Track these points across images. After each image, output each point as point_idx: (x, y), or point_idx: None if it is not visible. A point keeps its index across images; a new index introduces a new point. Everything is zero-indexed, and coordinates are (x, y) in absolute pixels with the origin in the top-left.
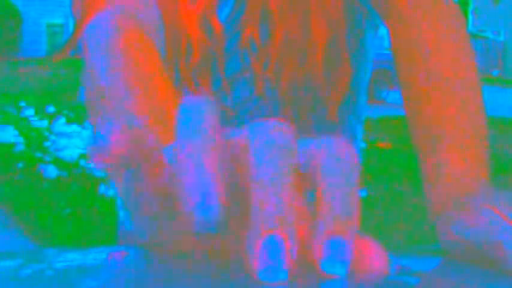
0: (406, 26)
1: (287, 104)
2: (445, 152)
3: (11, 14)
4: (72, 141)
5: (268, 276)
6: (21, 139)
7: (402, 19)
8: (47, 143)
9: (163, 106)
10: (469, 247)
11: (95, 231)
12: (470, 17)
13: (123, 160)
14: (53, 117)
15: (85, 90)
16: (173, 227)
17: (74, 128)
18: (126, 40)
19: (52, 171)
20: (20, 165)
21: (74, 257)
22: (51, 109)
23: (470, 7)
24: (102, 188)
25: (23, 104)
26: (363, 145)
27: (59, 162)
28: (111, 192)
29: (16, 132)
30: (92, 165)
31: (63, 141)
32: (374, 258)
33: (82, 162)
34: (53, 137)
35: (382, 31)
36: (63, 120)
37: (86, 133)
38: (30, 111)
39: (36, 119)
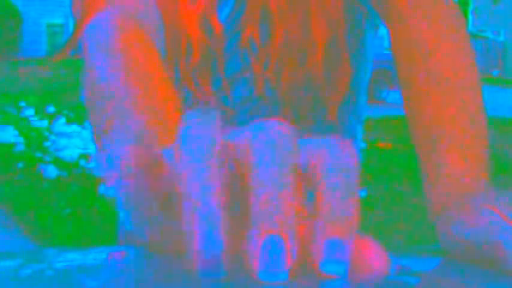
0: (406, 26)
1: (287, 104)
2: (445, 152)
3: (11, 14)
4: (72, 141)
5: (268, 276)
6: (21, 139)
7: (402, 19)
8: (47, 143)
9: (163, 106)
10: (469, 247)
11: (95, 231)
12: (470, 17)
13: (130, 173)
14: (53, 117)
15: (85, 90)
16: (173, 228)
17: (74, 128)
18: (126, 40)
19: (52, 171)
20: (20, 165)
21: (74, 257)
22: (51, 109)
23: (470, 7)
24: (102, 188)
25: (23, 104)
26: (363, 145)
27: (59, 162)
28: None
29: (16, 132)
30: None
31: (63, 141)
32: (374, 258)
33: (82, 162)
34: (53, 137)
35: (382, 31)
36: (63, 120)
37: (86, 133)
38: (30, 111)
39: (36, 119)
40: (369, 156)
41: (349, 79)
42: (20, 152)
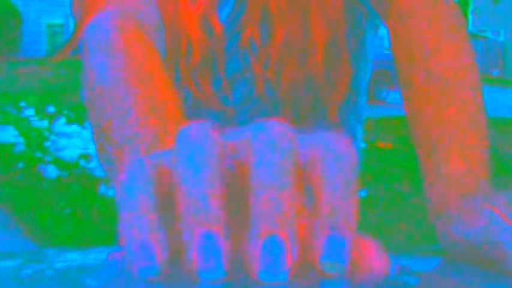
0: (406, 26)
1: (287, 104)
2: (445, 152)
3: (11, 14)
4: (72, 141)
5: (268, 276)
6: (21, 139)
7: (402, 19)
8: (47, 143)
9: (163, 106)
10: (469, 247)
11: (95, 231)
12: (470, 17)
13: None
14: (53, 117)
15: (85, 90)
16: (172, 228)
17: (74, 128)
18: (126, 40)
19: (52, 171)
20: (20, 165)
21: (74, 257)
22: (51, 109)
23: (470, 7)
24: (102, 188)
25: (23, 104)
26: (363, 145)
27: (59, 162)
28: (111, 192)
29: (16, 132)
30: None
31: (63, 141)
32: (374, 258)
33: (82, 162)
34: (53, 137)
35: (382, 31)
36: (63, 120)
37: (86, 133)
38: (30, 111)
39: (36, 119)
40: (369, 156)
41: (349, 79)
42: (20, 152)
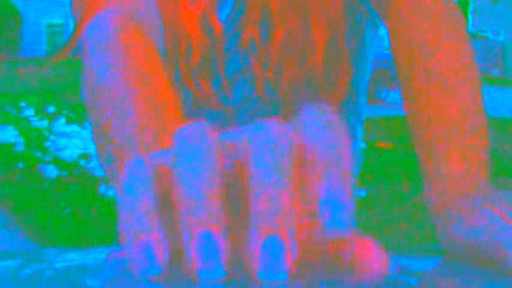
0: (406, 26)
1: (287, 104)
2: (445, 152)
3: (11, 14)
4: (72, 141)
5: (268, 276)
6: (21, 139)
7: (402, 19)
8: (47, 143)
9: (163, 106)
10: (469, 247)
11: (95, 231)
12: (470, 17)
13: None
14: (53, 117)
15: (85, 90)
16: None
17: (74, 128)
18: (126, 40)
19: (52, 171)
20: (20, 165)
21: (74, 257)
22: (51, 109)
23: (470, 7)
24: (102, 188)
25: (23, 104)
26: (363, 145)
27: (59, 162)
28: (111, 192)
29: (16, 132)
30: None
31: (63, 141)
32: (374, 258)
33: (82, 162)
34: (53, 137)
35: (382, 31)
36: (63, 120)
37: (86, 133)
38: (30, 111)
39: (36, 119)
40: (369, 156)
41: (349, 79)
42: (20, 152)
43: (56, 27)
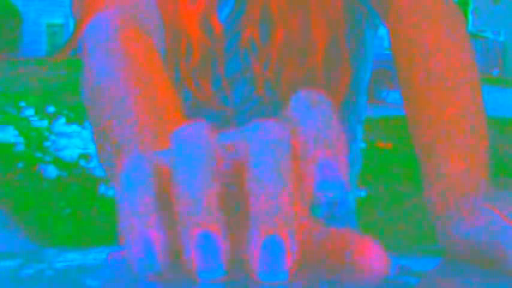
0: (406, 26)
1: (287, 104)
2: (445, 152)
3: (11, 14)
4: (72, 141)
5: (268, 276)
6: (21, 139)
7: (402, 19)
8: (47, 143)
9: (163, 106)
10: (469, 247)
11: (95, 231)
12: (470, 17)
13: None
14: (53, 117)
15: (85, 90)
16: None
17: (74, 128)
18: (126, 40)
19: (52, 171)
20: (20, 165)
21: (74, 257)
22: (51, 109)
23: (470, 7)
24: (102, 188)
25: (23, 104)
26: (363, 145)
27: (59, 162)
28: (111, 192)
29: (16, 132)
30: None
31: (63, 141)
32: (374, 258)
33: (82, 162)
34: (53, 137)
35: (382, 31)
36: (63, 120)
37: (86, 133)
38: (30, 111)
39: (36, 119)
40: (369, 156)
41: (349, 79)
42: (20, 152)
43: (56, 27)
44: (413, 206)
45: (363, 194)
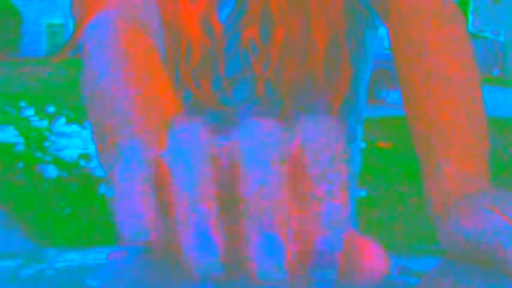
0: (406, 26)
1: (287, 104)
2: (445, 152)
3: (11, 14)
4: (72, 141)
5: (267, 275)
6: (21, 139)
7: (402, 19)
8: (47, 143)
9: (163, 106)
10: (469, 247)
11: (95, 231)
12: (470, 17)
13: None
14: (53, 117)
15: (85, 90)
16: (169, 228)
17: (74, 128)
18: (126, 40)
19: (52, 171)
20: (20, 165)
21: (74, 257)
22: (51, 109)
23: (470, 7)
24: (102, 188)
25: (23, 104)
26: (363, 145)
27: (59, 162)
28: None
29: (16, 132)
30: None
31: (63, 141)
32: (374, 258)
33: (82, 162)
34: (53, 137)
35: (382, 31)
36: (63, 120)
37: (86, 133)
38: (30, 111)
39: (36, 119)
40: (369, 156)
41: (349, 79)
42: (20, 152)
43: (56, 27)
44: (413, 206)
45: (363, 194)
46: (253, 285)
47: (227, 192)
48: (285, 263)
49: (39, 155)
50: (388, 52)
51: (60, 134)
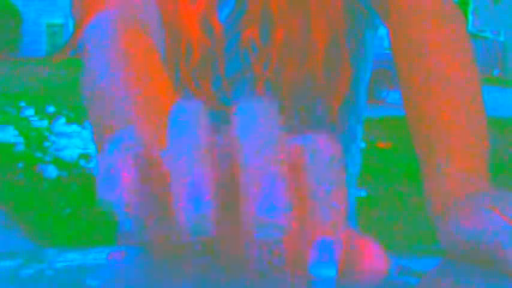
0: (406, 26)
1: (287, 104)
2: (445, 152)
3: (11, 14)
4: (72, 141)
5: (265, 233)
6: (21, 139)
7: (402, 19)
8: (47, 143)
9: (163, 107)
10: (469, 247)
11: (95, 231)
12: (470, 17)
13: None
14: (53, 117)
15: (85, 90)
16: (169, 228)
17: (74, 128)
18: (126, 40)
19: (52, 171)
20: (20, 165)
21: (74, 257)
22: (51, 109)
23: (470, 7)
24: None
25: (23, 104)
26: (363, 145)
27: (59, 162)
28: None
29: (16, 132)
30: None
31: (63, 141)
32: (374, 258)
33: (82, 162)
34: (53, 137)
35: (382, 31)
36: (63, 120)
37: (86, 133)
38: (30, 111)
39: (36, 119)
40: (369, 156)
41: (349, 79)
42: (20, 152)
43: (56, 27)
44: (413, 206)
45: (363, 194)
46: (253, 285)
47: (225, 176)
48: (282, 221)
49: (39, 155)
50: (388, 52)
51: (60, 134)
